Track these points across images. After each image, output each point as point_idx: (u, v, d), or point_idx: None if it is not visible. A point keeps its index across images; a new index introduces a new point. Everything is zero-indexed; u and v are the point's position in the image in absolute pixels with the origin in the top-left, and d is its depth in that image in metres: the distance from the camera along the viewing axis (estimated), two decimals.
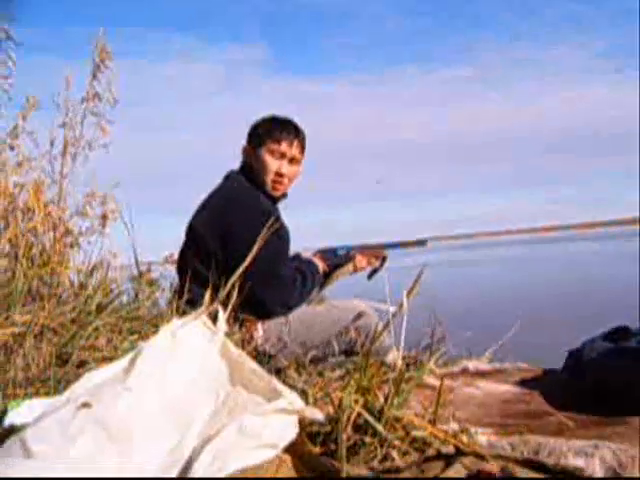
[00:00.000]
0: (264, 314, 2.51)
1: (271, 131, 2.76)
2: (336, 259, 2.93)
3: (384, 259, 3.03)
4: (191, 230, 2.68)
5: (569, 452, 1.36)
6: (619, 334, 2.35)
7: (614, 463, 1.30)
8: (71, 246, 3.14)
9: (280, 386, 1.41)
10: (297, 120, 2.84)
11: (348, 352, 2.61)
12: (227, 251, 2.49)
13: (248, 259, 1.89)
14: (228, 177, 2.79)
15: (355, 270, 2.95)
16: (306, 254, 2.89)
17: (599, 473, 1.30)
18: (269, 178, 2.72)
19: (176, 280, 2.75)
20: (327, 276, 2.91)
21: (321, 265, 2.84)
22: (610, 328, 2.41)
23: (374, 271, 3.02)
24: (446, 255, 41.25)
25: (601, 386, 2.08)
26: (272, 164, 2.72)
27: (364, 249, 3.00)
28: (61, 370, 1.77)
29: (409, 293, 1.76)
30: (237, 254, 2.07)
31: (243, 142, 2.82)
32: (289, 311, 2.56)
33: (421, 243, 3.13)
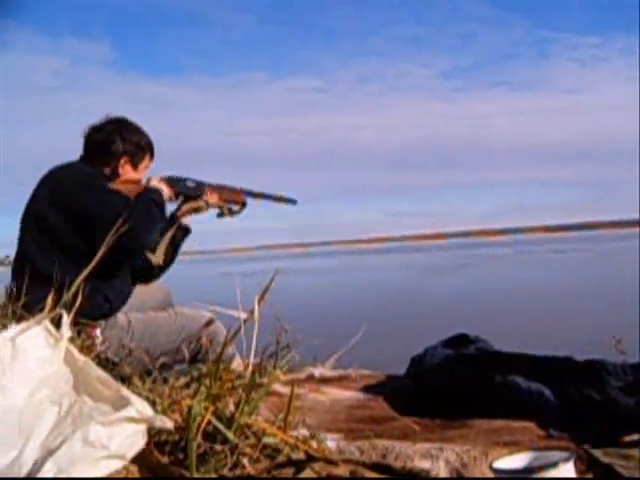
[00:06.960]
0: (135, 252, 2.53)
1: (151, 146, 2.72)
2: (185, 189, 2.72)
3: (244, 204, 2.83)
4: (32, 218, 2.52)
5: (415, 455, 1.40)
6: (459, 341, 2.47)
7: (457, 464, 1.36)
8: None
9: (128, 394, 1.35)
10: (141, 122, 2.72)
11: (192, 360, 2.56)
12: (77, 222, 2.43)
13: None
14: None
15: (207, 207, 2.76)
16: (153, 181, 2.71)
17: (443, 474, 1.36)
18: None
19: (10, 283, 2.57)
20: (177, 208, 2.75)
21: (166, 191, 2.67)
22: (450, 335, 2.53)
23: (230, 212, 2.82)
24: (282, 262, 41.72)
25: (443, 391, 2.17)
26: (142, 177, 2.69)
27: (221, 188, 2.79)
28: None
29: (260, 300, 1.75)
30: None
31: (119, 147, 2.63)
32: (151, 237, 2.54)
33: (291, 202, 2.93)
